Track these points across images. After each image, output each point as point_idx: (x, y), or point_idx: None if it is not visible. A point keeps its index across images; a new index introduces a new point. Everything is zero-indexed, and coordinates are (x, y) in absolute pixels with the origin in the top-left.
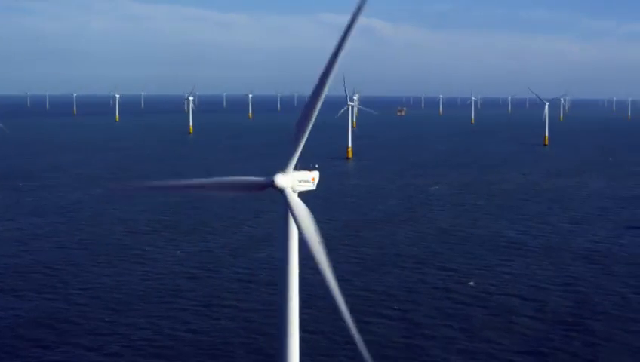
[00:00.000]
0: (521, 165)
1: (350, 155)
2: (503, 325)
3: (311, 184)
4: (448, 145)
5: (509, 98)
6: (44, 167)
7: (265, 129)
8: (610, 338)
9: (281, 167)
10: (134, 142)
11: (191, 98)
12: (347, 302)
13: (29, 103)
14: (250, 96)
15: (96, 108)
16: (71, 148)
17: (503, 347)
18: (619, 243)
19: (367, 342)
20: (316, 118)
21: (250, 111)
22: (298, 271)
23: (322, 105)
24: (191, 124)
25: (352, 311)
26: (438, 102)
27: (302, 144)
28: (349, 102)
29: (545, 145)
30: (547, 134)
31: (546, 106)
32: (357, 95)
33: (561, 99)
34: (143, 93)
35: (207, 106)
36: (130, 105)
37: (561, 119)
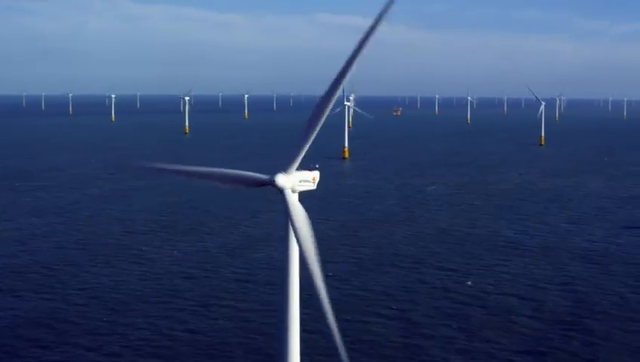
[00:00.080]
0: (517, 165)
1: (347, 155)
2: (501, 324)
3: (311, 184)
4: (444, 145)
5: (505, 98)
6: (41, 167)
7: (261, 129)
8: (608, 338)
9: (283, 167)
10: (130, 142)
11: (187, 98)
12: (345, 302)
13: (24, 103)
14: (246, 96)
15: (92, 108)
16: (67, 148)
17: (502, 346)
18: (616, 242)
19: (365, 342)
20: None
21: (246, 112)
22: (299, 270)
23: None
24: (187, 124)
25: (350, 310)
26: (434, 102)
27: (308, 145)
28: (345, 103)
29: (541, 145)
30: (543, 134)
31: (542, 106)
32: (353, 95)
33: (557, 99)
34: (138, 93)
35: (203, 106)
36: (126, 105)
37: (557, 119)
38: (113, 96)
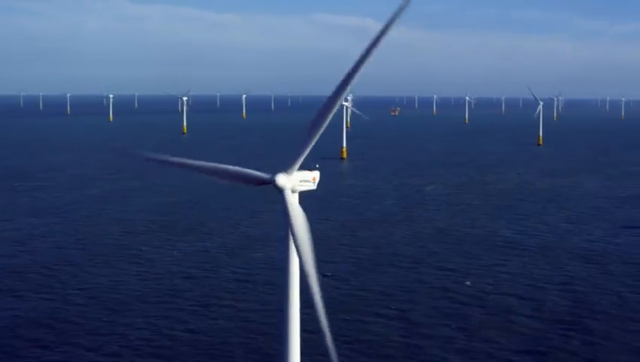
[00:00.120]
0: (515, 165)
1: (345, 155)
2: (500, 324)
3: (312, 184)
4: (442, 145)
5: (503, 98)
6: (39, 168)
7: (259, 129)
8: (607, 337)
9: (284, 167)
10: (128, 142)
11: (185, 98)
12: (344, 302)
13: (22, 103)
14: (244, 96)
15: (89, 108)
16: (65, 148)
17: (501, 346)
18: (615, 242)
19: (364, 342)
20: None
21: (244, 112)
22: (299, 270)
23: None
24: (185, 124)
25: (349, 310)
26: (432, 102)
27: (310, 146)
28: (343, 103)
29: (539, 145)
30: (541, 134)
31: (540, 106)
32: (351, 95)
33: (555, 99)
34: (136, 94)
35: (201, 106)
36: (124, 105)
37: (555, 119)
38: (111, 96)
